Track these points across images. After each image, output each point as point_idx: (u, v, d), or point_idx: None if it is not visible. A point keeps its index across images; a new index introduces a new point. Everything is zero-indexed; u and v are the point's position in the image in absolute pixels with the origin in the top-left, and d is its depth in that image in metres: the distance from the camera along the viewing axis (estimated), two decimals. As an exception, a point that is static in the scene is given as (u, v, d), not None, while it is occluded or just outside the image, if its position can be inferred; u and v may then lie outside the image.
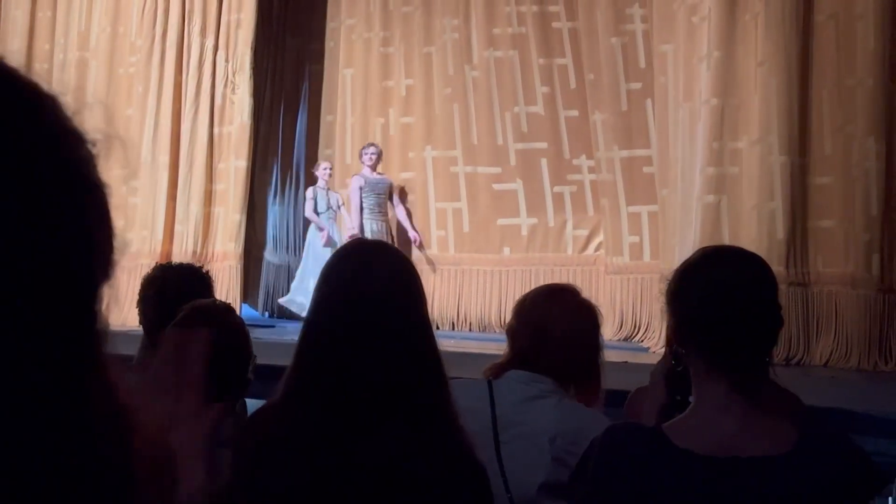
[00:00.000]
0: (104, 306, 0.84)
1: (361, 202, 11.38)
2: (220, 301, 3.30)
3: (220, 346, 2.67)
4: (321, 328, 2.29)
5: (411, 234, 11.82)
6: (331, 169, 12.11)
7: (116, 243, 0.85)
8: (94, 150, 0.82)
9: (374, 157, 11.59)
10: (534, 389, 3.15)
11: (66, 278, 0.77)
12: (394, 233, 11.75)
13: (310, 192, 11.85)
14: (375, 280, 2.26)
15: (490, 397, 3.11)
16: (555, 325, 3.18)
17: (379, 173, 11.71)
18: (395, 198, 11.89)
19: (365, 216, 11.32)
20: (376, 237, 10.72)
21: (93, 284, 0.81)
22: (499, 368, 3.23)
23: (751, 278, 2.18)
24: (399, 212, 11.89)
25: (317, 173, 12.02)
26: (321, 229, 11.56)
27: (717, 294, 2.14)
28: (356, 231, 11.08)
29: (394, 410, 2.18)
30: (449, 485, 2.19)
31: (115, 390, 0.84)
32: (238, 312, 11.24)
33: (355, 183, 11.47)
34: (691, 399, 2.25)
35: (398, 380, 2.19)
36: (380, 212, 11.47)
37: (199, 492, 0.97)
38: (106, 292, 0.84)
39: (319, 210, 11.72)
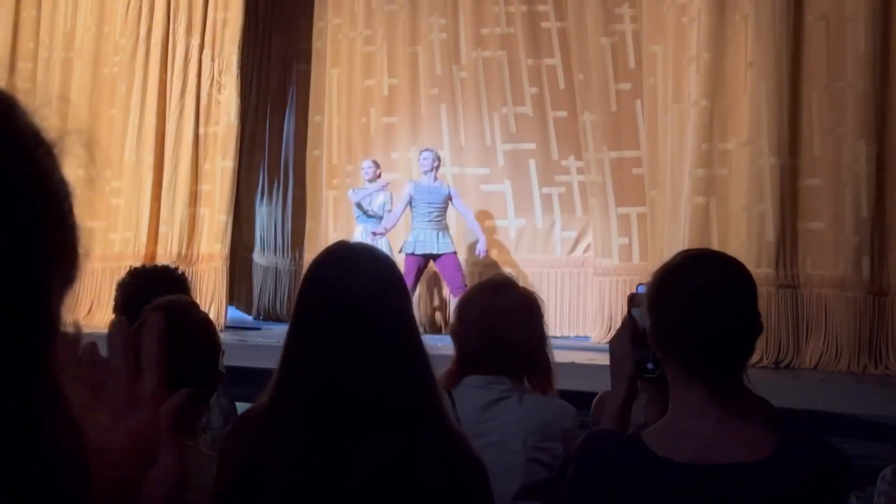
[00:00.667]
0: (69, 309, 0.81)
1: (411, 210, 10.84)
2: (185, 297, 3.30)
3: (181, 337, 2.70)
4: (308, 331, 2.29)
5: (480, 247, 11.04)
6: (375, 168, 11.43)
7: (81, 247, 0.82)
8: (56, 150, 0.79)
9: (427, 162, 10.90)
10: (493, 392, 3.16)
11: (17, 284, 0.74)
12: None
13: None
14: (362, 282, 2.26)
15: (454, 411, 3.10)
16: (501, 322, 3.17)
17: (436, 180, 10.94)
18: (459, 205, 11.08)
19: (414, 225, 10.83)
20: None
21: (49, 289, 0.78)
22: (452, 376, 3.21)
23: (731, 284, 2.20)
24: (469, 219, 11.23)
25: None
26: (377, 233, 10.84)
27: (697, 299, 2.15)
28: (379, 230, 10.80)
29: (384, 412, 2.19)
30: (447, 483, 2.20)
31: (65, 400, 0.82)
32: (224, 314, 11.36)
33: (405, 189, 10.97)
34: (658, 372, 2.27)
35: (387, 381, 2.20)
36: (430, 220, 10.74)
37: (169, 473, 0.97)
38: (71, 295, 0.81)
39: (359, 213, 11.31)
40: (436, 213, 10.75)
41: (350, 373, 2.19)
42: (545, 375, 3.37)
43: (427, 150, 11.14)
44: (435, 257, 10.66)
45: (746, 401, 2.47)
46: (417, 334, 2.33)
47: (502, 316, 3.18)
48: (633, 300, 2.56)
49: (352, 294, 2.24)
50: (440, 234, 10.69)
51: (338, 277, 2.28)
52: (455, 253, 10.75)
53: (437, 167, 10.97)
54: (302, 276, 2.42)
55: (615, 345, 2.54)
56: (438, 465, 2.19)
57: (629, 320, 2.50)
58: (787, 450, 2.06)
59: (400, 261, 10.07)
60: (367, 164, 11.44)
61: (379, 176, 11.33)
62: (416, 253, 10.58)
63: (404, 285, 2.39)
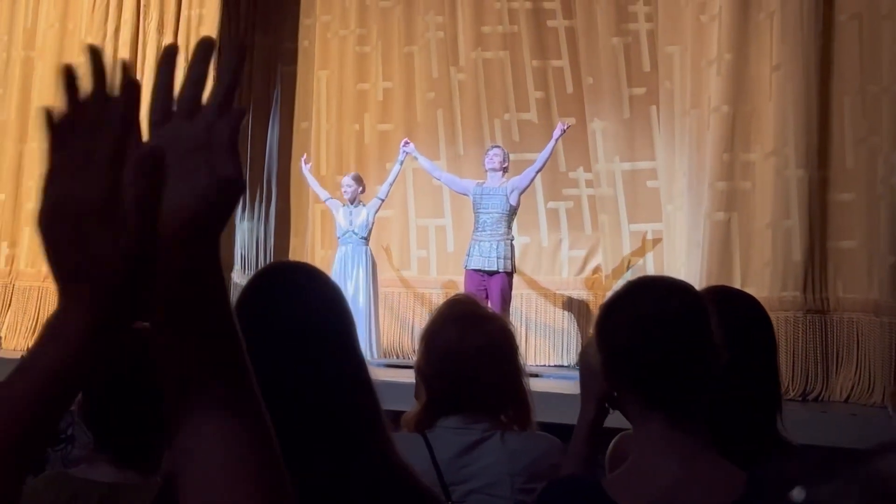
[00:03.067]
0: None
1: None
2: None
3: (145, 364, 2.69)
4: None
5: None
6: (357, 185, 11.25)
7: None
8: None
9: (494, 159, 10.60)
10: (473, 434, 3.14)
11: None
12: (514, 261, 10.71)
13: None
14: (298, 306, 2.25)
15: (430, 455, 3.08)
16: (475, 360, 3.14)
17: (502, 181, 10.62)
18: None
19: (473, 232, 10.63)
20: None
21: None
22: (423, 417, 3.19)
23: (677, 309, 2.22)
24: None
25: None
26: None
27: (642, 326, 2.19)
28: None
29: (323, 447, 2.17)
30: None
31: None
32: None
33: (464, 184, 10.82)
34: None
35: (326, 413, 2.18)
36: (483, 230, 10.49)
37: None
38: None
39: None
40: (496, 224, 10.45)
41: (292, 399, 2.17)
42: (524, 410, 3.36)
43: (495, 146, 10.92)
44: (489, 274, 10.40)
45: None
46: (361, 362, 2.31)
47: (475, 353, 3.15)
48: None
49: (287, 320, 2.23)
50: (486, 246, 10.45)
51: (273, 301, 2.26)
52: (506, 273, 10.42)
53: (506, 168, 10.67)
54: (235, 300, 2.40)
55: (584, 360, 2.56)
56: (384, 495, 2.18)
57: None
58: (761, 486, 2.05)
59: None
60: (346, 180, 11.31)
61: (362, 192, 11.21)
62: (469, 268, 10.51)
63: (346, 308, 2.37)
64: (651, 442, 2.15)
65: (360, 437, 2.22)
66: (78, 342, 1.03)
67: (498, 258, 10.36)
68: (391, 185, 11.18)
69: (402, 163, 11.17)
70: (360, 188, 11.24)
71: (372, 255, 11.08)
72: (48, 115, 1.09)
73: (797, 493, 1.18)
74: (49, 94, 12.11)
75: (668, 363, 2.15)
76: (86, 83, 1.11)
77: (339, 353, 2.25)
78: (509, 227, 10.48)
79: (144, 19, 12.07)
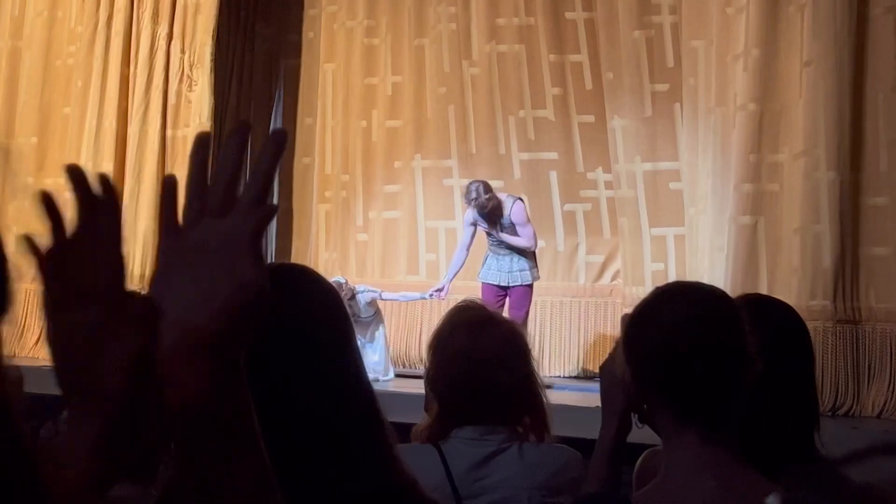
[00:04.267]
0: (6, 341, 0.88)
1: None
2: None
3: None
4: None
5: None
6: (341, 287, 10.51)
7: (11, 272, 0.89)
8: None
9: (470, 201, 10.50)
10: (489, 445, 3.14)
11: None
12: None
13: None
14: (301, 307, 2.24)
15: (445, 467, 3.08)
16: (487, 368, 3.14)
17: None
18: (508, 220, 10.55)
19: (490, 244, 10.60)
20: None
21: None
22: (436, 429, 3.19)
23: (708, 314, 2.23)
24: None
25: None
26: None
27: (672, 335, 2.18)
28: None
29: (325, 450, 2.17)
30: None
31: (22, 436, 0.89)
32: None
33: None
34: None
35: (327, 419, 2.18)
36: (500, 245, 10.48)
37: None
38: (5, 328, 0.88)
39: None
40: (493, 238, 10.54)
41: (284, 410, 2.16)
42: (540, 418, 3.36)
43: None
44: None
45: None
46: (360, 367, 2.31)
47: (487, 360, 3.15)
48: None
49: (287, 321, 2.22)
50: (505, 260, 10.50)
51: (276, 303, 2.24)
52: (524, 285, 10.43)
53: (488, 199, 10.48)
54: None
55: (606, 371, 2.55)
56: None
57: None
58: (800, 499, 2.05)
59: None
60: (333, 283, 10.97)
61: (353, 298, 10.57)
62: (487, 281, 10.52)
63: (344, 311, 2.36)
64: (684, 456, 2.13)
65: (361, 446, 2.21)
66: (88, 459, 1.04)
67: (519, 271, 10.41)
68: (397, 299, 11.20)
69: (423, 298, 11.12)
70: (348, 290, 10.56)
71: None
72: (31, 244, 1.08)
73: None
74: (36, 87, 12.15)
75: (703, 373, 2.13)
76: (68, 206, 1.10)
77: (337, 358, 2.24)
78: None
79: (138, 8, 12.07)
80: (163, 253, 1.13)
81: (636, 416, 2.42)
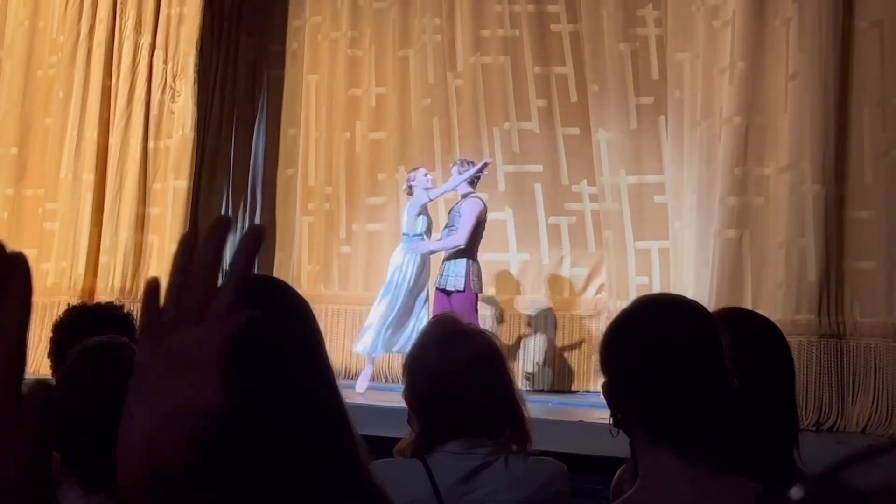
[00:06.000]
0: None
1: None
2: (118, 337, 3.29)
3: (111, 383, 2.69)
4: None
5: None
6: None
7: None
8: None
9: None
10: (475, 459, 3.14)
11: None
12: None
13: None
14: (268, 319, 2.24)
15: (431, 481, 3.09)
16: (464, 382, 3.15)
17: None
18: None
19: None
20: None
21: None
22: (420, 444, 3.19)
23: (686, 330, 2.22)
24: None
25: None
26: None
27: (649, 350, 2.17)
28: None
29: (295, 465, 2.18)
30: None
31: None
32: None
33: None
34: None
35: (297, 432, 2.19)
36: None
37: None
38: None
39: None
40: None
41: (252, 424, 2.17)
42: (520, 428, 3.37)
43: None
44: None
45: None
46: (333, 382, 2.31)
47: (461, 371, 3.15)
48: None
49: (257, 334, 2.22)
50: (446, 264, 10.40)
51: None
52: (458, 292, 10.23)
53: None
54: None
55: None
56: None
57: None
58: (777, 500, 2.06)
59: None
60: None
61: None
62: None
63: (316, 326, 2.37)
64: (658, 466, 2.15)
65: (331, 460, 2.22)
66: None
67: (454, 276, 10.28)
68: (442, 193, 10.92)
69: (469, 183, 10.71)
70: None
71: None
72: None
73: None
74: (17, 98, 12.13)
75: (678, 392, 2.14)
76: None
77: (306, 372, 2.25)
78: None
79: (121, 17, 12.08)
80: (140, 358, 1.09)
81: (611, 422, 2.43)
